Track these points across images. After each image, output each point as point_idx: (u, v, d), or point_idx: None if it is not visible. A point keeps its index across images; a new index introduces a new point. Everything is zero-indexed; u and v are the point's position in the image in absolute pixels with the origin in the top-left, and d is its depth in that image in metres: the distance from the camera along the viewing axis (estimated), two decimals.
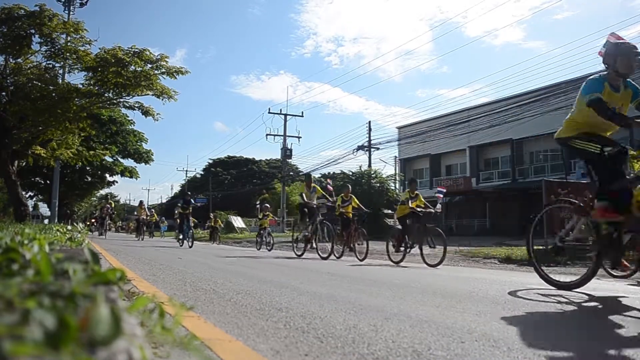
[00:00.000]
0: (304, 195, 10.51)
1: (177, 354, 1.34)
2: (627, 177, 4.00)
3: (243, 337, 2.02)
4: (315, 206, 10.34)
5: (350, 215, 10.31)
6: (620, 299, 3.87)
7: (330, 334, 2.15)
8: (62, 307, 0.61)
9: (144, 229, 20.45)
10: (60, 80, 17.99)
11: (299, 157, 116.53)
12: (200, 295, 3.37)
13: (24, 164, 20.94)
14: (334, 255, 9.60)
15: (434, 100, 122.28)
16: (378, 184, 30.09)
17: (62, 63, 17.70)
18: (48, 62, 17.58)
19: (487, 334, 2.25)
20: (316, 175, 53.25)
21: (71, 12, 21.31)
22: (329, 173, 52.93)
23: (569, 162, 26.81)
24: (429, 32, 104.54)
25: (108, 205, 19.97)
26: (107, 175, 41.05)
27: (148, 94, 17.71)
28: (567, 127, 4.41)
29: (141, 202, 22.28)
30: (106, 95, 18.18)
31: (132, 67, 16.92)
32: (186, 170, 64.97)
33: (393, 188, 32.81)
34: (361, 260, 9.22)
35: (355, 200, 10.64)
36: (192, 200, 16.12)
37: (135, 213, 23.58)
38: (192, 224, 15.46)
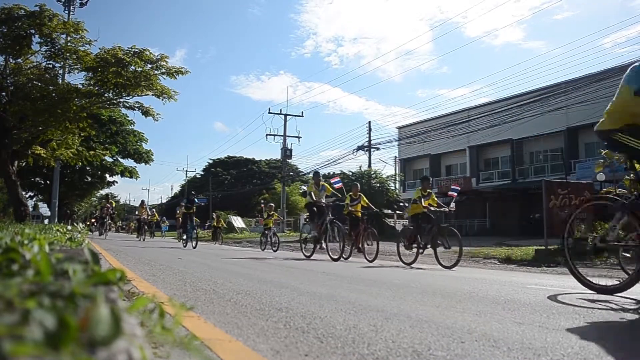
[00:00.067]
0: (312, 193, 10.04)
1: (177, 354, 1.34)
2: None
3: (243, 337, 2.02)
4: (324, 205, 9.92)
5: (359, 214, 9.99)
6: None
7: (330, 334, 2.14)
8: (62, 307, 0.61)
9: (145, 229, 20.25)
10: (60, 81, 17.98)
11: (299, 157, 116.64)
12: (200, 295, 3.37)
13: (24, 164, 20.93)
14: (343, 256, 9.28)
15: (434, 100, 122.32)
16: (378, 184, 30.10)
17: (62, 63, 17.69)
18: (48, 62, 17.57)
19: (487, 334, 2.25)
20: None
21: (71, 12, 21.35)
22: (328, 173, 52.98)
23: (568, 163, 26.84)
24: (429, 32, 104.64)
25: (109, 205, 19.58)
26: (107, 175, 41.08)
27: (148, 94, 17.70)
28: (609, 119, 4.10)
29: (142, 201, 22.12)
30: (106, 95, 18.16)
31: (132, 67, 16.91)
32: (186, 171, 65.05)
33: (393, 188, 32.84)
34: (371, 262, 8.92)
35: (365, 199, 10.28)
36: (196, 199, 15.69)
37: (136, 213, 23.47)
38: (196, 224, 15.09)
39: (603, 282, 4.20)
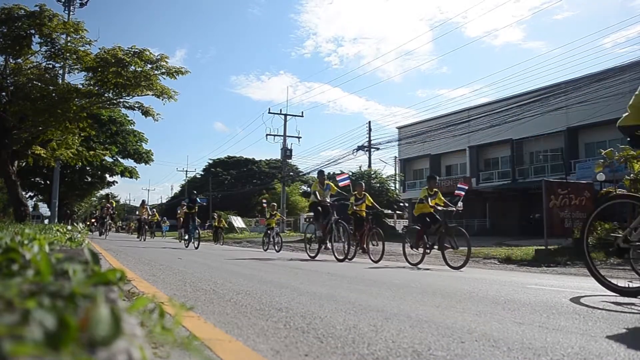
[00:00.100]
0: (317, 193, 9.80)
1: (177, 354, 1.34)
2: None
3: (243, 337, 2.02)
4: (329, 204, 9.70)
5: (364, 214, 9.81)
6: None
7: (330, 334, 2.14)
8: (62, 307, 0.61)
9: (146, 229, 20.09)
10: (60, 81, 17.98)
11: (299, 157, 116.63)
12: (200, 295, 3.37)
13: (24, 164, 20.93)
14: (348, 257, 9.09)
15: (434, 101, 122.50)
16: (378, 184, 30.11)
17: (62, 63, 17.69)
18: (48, 62, 17.57)
19: (487, 334, 2.25)
20: (316, 175, 53.34)
21: (71, 12, 21.37)
22: (328, 173, 52.94)
23: (568, 163, 26.83)
24: (429, 33, 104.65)
25: (109, 205, 19.39)
26: (107, 175, 41.10)
27: (148, 94, 17.69)
28: (634, 113, 3.94)
29: (143, 201, 22.01)
30: (106, 95, 18.16)
31: (132, 67, 16.90)
32: (186, 171, 65.06)
33: (393, 188, 32.85)
34: (376, 262, 8.79)
35: (369, 198, 10.12)
36: (198, 199, 15.41)
37: (137, 213, 23.36)
38: (198, 224, 14.83)
39: (622, 283, 4.06)
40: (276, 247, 13.72)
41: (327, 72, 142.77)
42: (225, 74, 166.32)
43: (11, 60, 17.33)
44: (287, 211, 36.04)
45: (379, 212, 10.34)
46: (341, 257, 8.96)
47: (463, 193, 9.37)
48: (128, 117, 35.82)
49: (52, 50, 16.88)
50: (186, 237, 14.62)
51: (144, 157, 39.44)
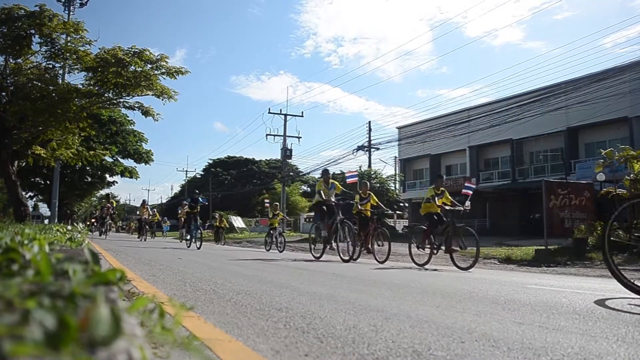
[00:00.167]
0: (322, 192, 9.56)
1: (177, 354, 1.34)
2: None
3: (243, 337, 2.02)
4: (334, 203, 9.49)
5: (369, 213, 9.64)
6: None
7: (330, 334, 2.14)
8: (62, 307, 0.61)
9: (146, 229, 19.88)
10: (60, 81, 17.97)
11: (299, 157, 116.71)
12: (200, 295, 3.37)
13: (24, 164, 20.93)
14: (352, 257, 8.89)
15: (434, 101, 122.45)
16: (378, 184, 30.10)
17: (62, 63, 17.69)
18: (48, 62, 17.56)
19: (487, 334, 2.25)
20: (316, 175, 53.29)
21: (71, 12, 21.36)
22: (332, 173, 52.90)
23: (568, 163, 26.83)
24: (429, 33, 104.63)
25: (109, 205, 19.20)
26: (107, 175, 41.10)
27: (148, 94, 17.69)
28: None
29: (144, 201, 21.82)
30: (106, 95, 18.15)
31: (132, 67, 16.90)
32: (186, 171, 65.04)
33: (393, 188, 32.85)
34: (382, 263, 8.62)
35: (374, 197, 9.95)
36: (200, 198, 15.10)
37: (137, 213, 23.25)
38: (200, 224, 14.52)
39: None
40: (279, 248, 13.52)
41: (327, 72, 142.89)
42: (225, 74, 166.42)
43: (11, 60, 17.33)
44: (287, 211, 36.03)
45: (384, 211, 9.99)
46: (346, 258, 8.82)
47: (471, 192, 9.18)
48: (128, 117, 35.87)
49: (52, 50, 16.88)
50: (188, 237, 14.43)
51: (144, 157, 39.44)
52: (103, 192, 45.51)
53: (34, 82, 17.00)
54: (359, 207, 9.71)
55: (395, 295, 3.73)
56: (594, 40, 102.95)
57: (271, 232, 14.42)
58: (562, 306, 3.37)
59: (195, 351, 1.02)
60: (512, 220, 28.35)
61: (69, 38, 16.92)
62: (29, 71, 17.43)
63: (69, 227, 7.80)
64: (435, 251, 8.23)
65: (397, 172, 37.05)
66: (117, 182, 45.66)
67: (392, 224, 30.78)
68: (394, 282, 4.94)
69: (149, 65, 17.18)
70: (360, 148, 32.19)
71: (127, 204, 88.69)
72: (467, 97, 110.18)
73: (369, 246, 9.35)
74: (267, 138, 34.51)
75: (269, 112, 34.62)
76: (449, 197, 8.55)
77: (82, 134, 20.15)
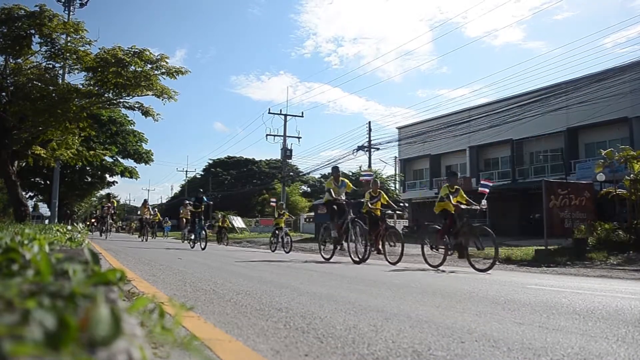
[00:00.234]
0: (332, 190, 9.17)
1: (177, 354, 1.34)
2: None
3: (243, 337, 2.02)
4: (345, 202, 9.12)
5: (379, 212, 9.31)
6: None
7: (330, 334, 2.14)
8: (62, 307, 0.61)
9: (147, 229, 19.50)
10: (60, 81, 17.97)
11: (299, 157, 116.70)
12: (200, 295, 3.37)
13: (24, 164, 20.91)
14: (358, 257, 8.57)
15: (434, 101, 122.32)
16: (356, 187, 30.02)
17: (62, 63, 17.69)
18: (48, 62, 17.56)
19: (487, 334, 2.25)
20: (316, 175, 53.26)
21: (71, 13, 21.33)
22: (329, 173, 52.97)
23: (568, 163, 26.83)
24: (429, 33, 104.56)
25: (109, 204, 18.85)
26: (107, 175, 41.09)
27: (148, 94, 17.68)
28: None
29: (145, 201, 21.45)
30: (106, 95, 18.15)
31: (132, 67, 16.90)
32: (186, 171, 65.06)
33: (393, 188, 32.83)
34: (394, 264, 8.25)
35: (385, 196, 9.65)
36: (204, 197, 14.64)
37: (139, 212, 23.04)
38: (205, 224, 14.04)
39: None
40: (285, 248, 13.12)
41: (327, 72, 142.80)
42: (225, 74, 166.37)
43: (11, 60, 17.33)
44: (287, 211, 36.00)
45: (395, 210, 9.74)
46: (358, 259, 8.49)
47: (487, 190, 8.80)
48: (128, 117, 35.87)
49: (52, 50, 16.88)
50: (192, 237, 14.06)
51: (144, 157, 39.44)
52: (103, 192, 45.53)
53: (34, 82, 17.01)
54: (369, 205, 9.38)
55: (395, 296, 3.73)
56: (594, 40, 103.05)
57: (277, 232, 14.05)
58: (562, 306, 3.37)
59: (195, 351, 1.02)
60: (512, 220, 28.34)
61: (69, 38, 16.92)
62: (29, 71, 17.43)
63: (69, 227, 7.80)
64: (450, 251, 7.91)
65: (397, 172, 37.04)
66: (117, 182, 45.68)
67: (392, 224, 30.74)
68: (394, 282, 4.94)
69: (149, 65, 17.18)
70: (360, 148, 32.19)
71: (127, 204, 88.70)
72: (467, 97, 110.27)
73: (379, 247, 9.03)
74: (267, 138, 34.53)
75: (269, 112, 34.63)
76: (464, 195, 8.23)
77: (82, 134, 20.14)
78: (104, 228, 18.31)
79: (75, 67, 17.52)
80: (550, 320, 2.71)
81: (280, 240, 13.71)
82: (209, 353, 1.63)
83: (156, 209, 27.32)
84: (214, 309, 2.77)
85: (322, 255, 9.47)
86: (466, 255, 7.76)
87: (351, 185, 9.63)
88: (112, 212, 19.48)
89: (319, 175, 55.80)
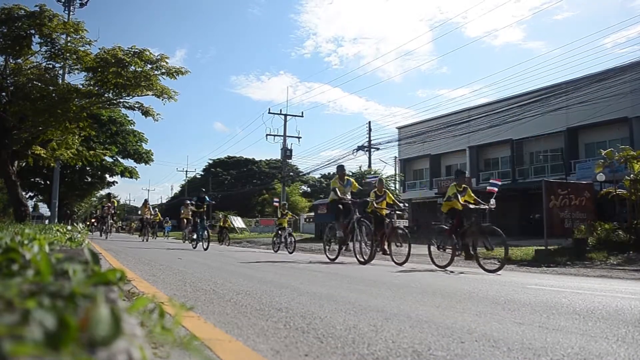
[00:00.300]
0: (337, 190, 9.00)
1: (177, 354, 1.34)
2: None
3: (243, 337, 2.02)
4: (351, 202, 8.94)
5: (384, 212, 9.13)
6: None
7: (330, 334, 2.15)
8: (62, 307, 0.61)
9: (148, 229, 19.28)
10: (60, 81, 17.98)
11: (299, 157, 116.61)
12: (200, 295, 3.37)
13: (24, 164, 20.92)
14: (370, 259, 8.42)
15: (434, 101, 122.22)
16: (361, 187, 30.06)
17: (62, 63, 17.70)
18: (48, 62, 17.57)
19: (487, 334, 2.25)
20: (316, 175, 53.25)
21: (71, 13, 21.34)
22: (328, 173, 53.02)
23: (568, 163, 26.83)
24: (429, 33, 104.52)
25: (109, 204, 18.65)
26: (107, 175, 41.09)
27: (148, 94, 17.69)
28: None
29: (146, 200, 21.31)
30: (106, 95, 18.16)
31: (132, 67, 16.91)
32: (186, 171, 65.09)
33: (393, 188, 32.83)
34: (401, 264, 8.09)
35: (390, 195, 9.50)
36: (206, 197, 14.40)
37: (139, 212, 22.93)
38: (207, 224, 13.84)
39: None
40: (289, 249, 12.94)
41: (327, 72, 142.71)
42: (225, 74, 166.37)
43: (11, 60, 17.34)
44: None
45: (400, 210, 9.43)
46: (363, 259, 8.36)
47: (496, 189, 8.63)
48: (128, 117, 35.87)
49: (52, 50, 16.89)
50: (194, 236, 13.87)
51: (144, 157, 39.45)
52: (103, 192, 45.51)
53: (34, 82, 17.01)
54: (375, 205, 9.24)
55: (395, 296, 3.73)
56: (594, 40, 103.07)
57: (279, 232, 13.84)
58: (562, 306, 3.37)
59: (195, 351, 1.02)
60: (512, 220, 28.31)
61: (69, 38, 16.93)
62: (29, 71, 17.44)
63: (69, 227, 7.80)
64: (458, 252, 7.76)
65: (397, 172, 37.05)
66: (117, 182, 45.66)
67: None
68: (394, 282, 4.94)
69: (149, 66, 17.18)
70: (360, 148, 32.22)
71: (127, 204, 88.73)
72: (467, 97, 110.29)
73: (385, 247, 8.90)
74: (267, 138, 34.53)
75: (269, 112, 34.63)
76: (472, 194, 8.05)
77: (82, 134, 20.13)
78: (104, 228, 18.16)
79: (75, 67, 17.53)
80: (550, 320, 2.71)
81: (283, 240, 13.51)
82: (209, 353, 1.63)
83: (157, 209, 27.21)
84: (214, 309, 2.77)
85: (326, 256, 9.30)
86: (475, 255, 7.60)
87: (357, 185, 9.51)
88: (113, 212, 19.32)
89: (319, 175, 55.87)
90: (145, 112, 18.63)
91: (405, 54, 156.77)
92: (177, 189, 74.57)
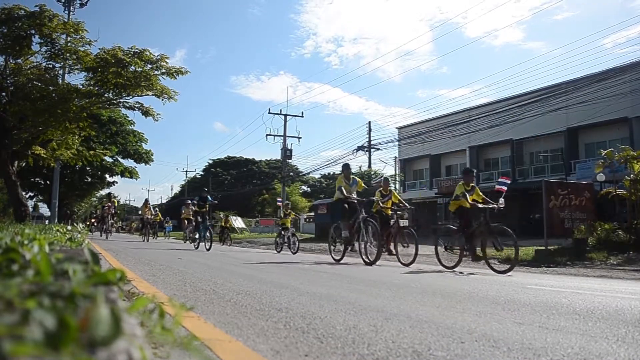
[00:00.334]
0: (343, 188, 8.81)
1: (177, 354, 1.34)
2: None
3: (243, 338, 2.02)
4: (357, 201, 8.78)
5: (390, 212, 9.02)
6: None
7: (330, 334, 2.14)
8: (62, 307, 0.61)
9: (148, 229, 18.99)
10: (60, 81, 17.98)
11: (299, 157, 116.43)
12: (200, 295, 3.37)
13: (24, 164, 20.90)
14: (369, 258, 8.25)
15: (434, 101, 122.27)
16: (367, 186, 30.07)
17: (62, 63, 17.70)
18: (48, 62, 17.58)
19: (487, 334, 2.25)
20: (316, 175, 53.20)
21: (71, 13, 21.34)
22: (328, 173, 53.02)
23: (568, 163, 26.83)
24: (429, 33, 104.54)
25: (110, 204, 18.48)
26: (107, 175, 41.08)
27: (148, 94, 17.69)
28: None
29: (146, 200, 21.09)
30: (106, 95, 18.16)
31: (132, 67, 16.91)
32: (186, 171, 65.11)
33: (393, 188, 32.86)
34: (407, 265, 7.98)
35: (396, 194, 9.39)
36: (209, 197, 14.04)
37: (140, 212, 22.79)
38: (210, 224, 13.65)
39: None
40: (292, 249, 12.74)
41: (327, 72, 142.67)
42: (225, 74, 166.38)
43: (11, 61, 17.34)
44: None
45: (406, 209, 9.27)
46: (369, 260, 8.17)
47: (505, 188, 8.40)
48: (128, 117, 35.84)
49: (52, 50, 16.89)
50: (197, 235, 13.59)
51: (144, 157, 39.43)
52: (103, 192, 45.49)
53: (34, 82, 17.01)
54: (380, 205, 9.09)
55: (395, 296, 3.73)
56: (594, 40, 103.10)
57: (282, 232, 13.65)
58: (562, 306, 3.36)
59: (195, 351, 1.02)
60: (512, 220, 28.23)
61: (69, 38, 16.93)
62: (29, 71, 17.44)
63: (69, 228, 7.79)
64: (466, 252, 7.61)
65: (397, 172, 37.05)
66: (117, 182, 45.66)
67: (392, 223, 30.71)
68: (394, 282, 4.94)
69: (149, 66, 17.19)
70: (360, 148, 32.22)
71: (127, 204, 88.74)
72: (467, 97, 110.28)
73: (390, 247, 8.74)
74: (267, 138, 34.53)
75: (269, 112, 34.63)
76: (480, 193, 7.86)
77: (82, 134, 20.13)
78: (104, 228, 18.00)
79: (75, 67, 17.54)
80: (550, 321, 2.71)
81: (286, 240, 13.32)
82: (209, 353, 1.63)
83: (157, 209, 27.07)
84: (214, 309, 2.77)
85: (332, 256, 9.09)
86: (484, 256, 7.45)
87: (362, 184, 9.35)
88: (113, 212, 19.13)
89: (319, 176, 55.87)
90: (145, 112, 18.63)
91: (405, 54, 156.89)
92: (177, 189, 74.66)
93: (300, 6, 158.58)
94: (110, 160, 37.61)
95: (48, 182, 33.16)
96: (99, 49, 17.21)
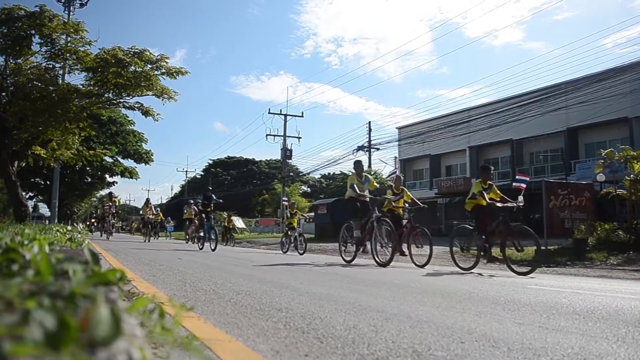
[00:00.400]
0: (355, 186, 8.48)
1: (177, 354, 1.34)
2: None
3: (243, 338, 2.02)
4: (369, 200, 8.43)
5: (401, 211, 8.72)
6: None
7: (330, 334, 2.14)
8: (62, 307, 0.61)
9: (149, 228, 18.71)
10: (60, 81, 17.98)
11: (299, 157, 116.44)
12: (200, 295, 3.37)
13: (24, 164, 20.90)
14: (382, 259, 7.90)
15: (434, 101, 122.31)
16: (378, 185, 30.08)
17: (62, 63, 17.69)
18: (48, 62, 17.58)
19: (487, 334, 2.25)
20: (316, 176, 53.19)
21: (71, 13, 21.34)
22: (329, 173, 53.02)
23: (568, 163, 26.83)
24: (429, 33, 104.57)
25: (110, 204, 18.25)
26: (107, 175, 41.11)
27: (148, 95, 17.69)
28: None
29: (147, 200, 20.70)
30: (106, 95, 18.16)
31: (132, 67, 16.91)
32: (186, 171, 65.13)
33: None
34: (422, 267, 7.73)
35: (408, 193, 9.08)
36: (213, 196, 13.72)
37: (141, 212, 22.58)
38: (215, 224, 13.21)
39: None
40: (299, 250, 12.36)
41: (327, 72, 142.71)
42: (225, 74, 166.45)
43: (11, 61, 17.34)
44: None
45: (420, 208, 8.93)
46: (383, 261, 7.75)
47: (524, 185, 8.01)
48: (128, 117, 35.89)
49: (52, 50, 16.89)
50: (201, 233, 13.33)
51: (144, 157, 39.44)
52: (103, 192, 45.49)
53: (34, 82, 17.02)
54: (392, 204, 8.78)
55: (395, 296, 3.73)
56: (594, 40, 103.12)
57: (289, 232, 13.33)
58: (562, 306, 3.36)
59: (195, 351, 1.02)
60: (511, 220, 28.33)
61: (69, 38, 16.93)
62: (29, 71, 17.44)
63: (69, 228, 7.79)
64: (483, 253, 7.36)
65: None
66: (117, 183, 45.64)
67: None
68: (394, 282, 4.94)
69: (149, 66, 17.19)
70: (360, 148, 32.22)
71: (127, 204, 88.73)
72: (467, 97, 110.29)
73: (403, 248, 8.39)
74: (267, 138, 34.57)
75: (269, 112, 34.67)
76: (498, 191, 7.55)
77: (82, 134, 20.13)
78: (105, 227, 17.78)
79: (75, 67, 17.54)
80: (550, 321, 2.71)
81: (293, 241, 13.05)
82: (209, 353, 1.63)
83: (158, 209, 26.85)
84: (214, 309, 2.77)
85: (342, 257, 8.66)
86: (504, 257, 7.21)
87: (374, 183, 9.03)
88: (114, 211, 18.81)
89: (319, 176, 55.90)
90: (145, 112, 18.63)
91: (405, 54, 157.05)
92: (177, 189, 74.63)
93: (300, 6, 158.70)
94: (110, 160, 37.62)
95: (48, 182, 33.17)
96: (99, 49, 17.24)
